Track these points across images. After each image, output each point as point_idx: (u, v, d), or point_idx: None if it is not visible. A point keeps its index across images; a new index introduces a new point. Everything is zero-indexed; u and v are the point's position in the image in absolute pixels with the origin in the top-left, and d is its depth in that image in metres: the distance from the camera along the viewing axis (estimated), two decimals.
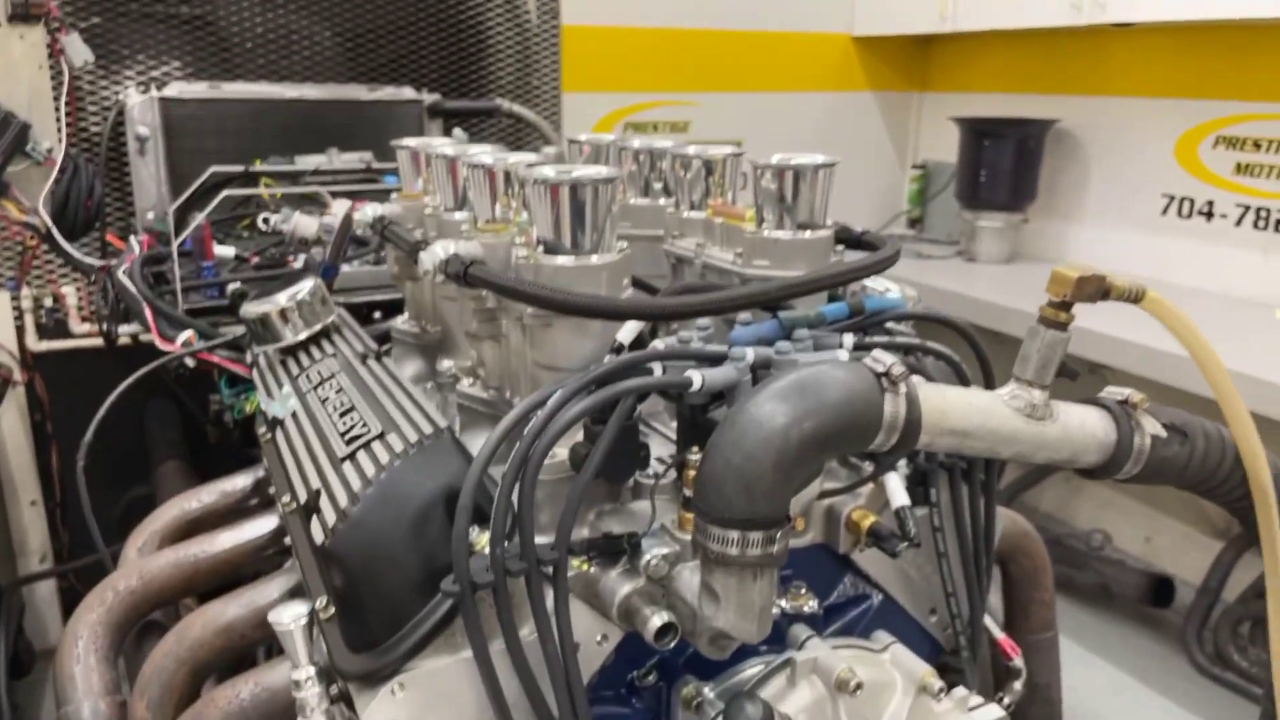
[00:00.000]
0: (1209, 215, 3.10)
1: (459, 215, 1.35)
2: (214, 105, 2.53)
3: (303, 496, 1.11)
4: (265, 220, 2.07)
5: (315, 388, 1.32)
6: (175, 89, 2.49)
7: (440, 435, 1.04)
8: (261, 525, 1.33)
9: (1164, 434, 0.94)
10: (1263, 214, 2.97)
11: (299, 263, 2.12)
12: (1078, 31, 3.19)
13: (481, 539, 0.87)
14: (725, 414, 0.85)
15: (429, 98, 2.80)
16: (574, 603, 0.94)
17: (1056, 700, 1.53)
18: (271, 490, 1.32)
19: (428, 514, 0.93)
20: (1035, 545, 1.48)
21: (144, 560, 1.30)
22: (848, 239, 1.31)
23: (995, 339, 2.76)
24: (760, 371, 0.96)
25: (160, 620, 1.33)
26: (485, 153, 1.32)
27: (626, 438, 0.95)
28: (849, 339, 1.03)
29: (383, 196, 1.76)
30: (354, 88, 2.76)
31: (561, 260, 1.06)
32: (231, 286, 1.97)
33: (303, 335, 1.47)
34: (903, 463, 1.13)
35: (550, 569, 0.89)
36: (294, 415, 1.29)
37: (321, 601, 0.97)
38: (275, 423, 1.33)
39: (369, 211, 1.57)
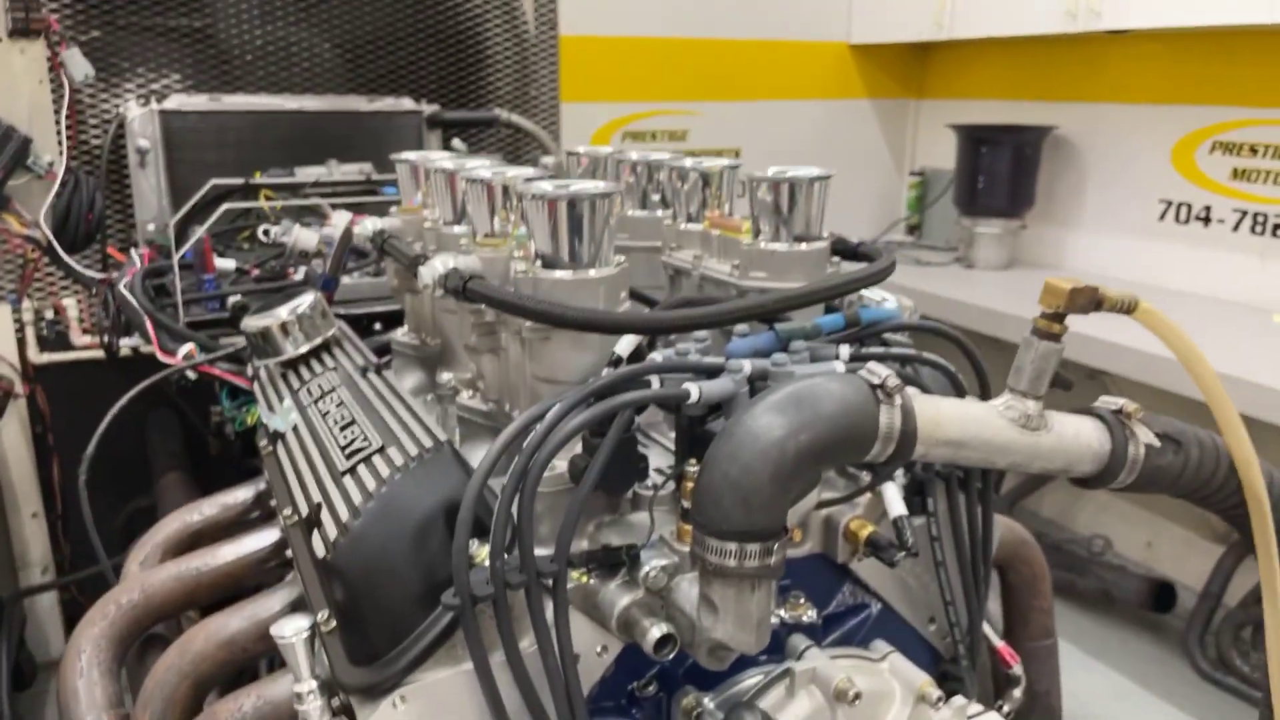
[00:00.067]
0: (1206, 220, 3.11)
1: (458, 229, 1.36)
2: (214, 117, 2.54)
3: (304, 510, 1.11)
4: (265, 232, 2.08)
5: (316, 401, 1.33)
6: (175, 102, 2.51)
7: (440, 449, 1.04)
8: (263, 538, 1.33)
9: (1158, 443, 0.95)
10: (1260, 219, 2.97)
11: (299, 275, 2.13)
12: (1073, 38, 3.21)
13: (482, 552, 0.88)
14: (723, 426, 0.86)
15: (428, 108, 2.81)
16: (574, 614, 0.95)
17: (1056, 708, 1.54)
18: (273, 503, 1.33)
19: (428, 527, 0.94)
20: (1033, 553, 1.48)
21: (146, 574, 1.30)
22: (844, 250, 1.32)
23: (994, 345, 2.77)
24: (757, 383, 0.96)
25: (162, 633, 1.34)
26: (484, 166, 1.33)
27: (625, 450, 0.96)
28: (845, 350, 1.04)
29: (383, 208, 1.77)
30: (353, 99, 2.77)
31: (559, 274, 1.07)
32: (232, 299, 1.98)
33: (303, 349, 1.48)
34: (900, 472, 1.13)
35: (550, 581, 0.89)
36: (295, 429, 1.30)
37: (323, 614, 0.98)
38: (276, 436, 1.34)
39: (369, 225, 1.59)
